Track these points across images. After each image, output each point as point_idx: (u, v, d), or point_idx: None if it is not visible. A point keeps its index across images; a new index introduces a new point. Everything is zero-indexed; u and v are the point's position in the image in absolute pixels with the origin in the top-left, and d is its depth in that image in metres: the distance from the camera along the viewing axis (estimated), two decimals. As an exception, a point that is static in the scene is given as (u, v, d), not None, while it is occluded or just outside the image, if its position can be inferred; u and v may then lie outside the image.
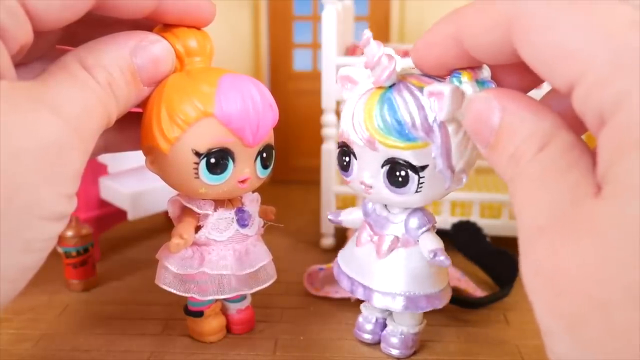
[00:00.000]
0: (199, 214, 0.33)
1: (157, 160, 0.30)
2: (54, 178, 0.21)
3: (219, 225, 0.34)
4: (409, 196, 0.30)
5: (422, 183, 0.30)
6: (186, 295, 0.34)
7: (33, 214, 0.21)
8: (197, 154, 0.29)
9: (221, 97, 0.29)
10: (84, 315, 0.40)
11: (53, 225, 0.22)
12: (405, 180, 0.30)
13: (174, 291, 0.34)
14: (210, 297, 0.34)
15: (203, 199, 0.33)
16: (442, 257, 0.32)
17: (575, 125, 0.19)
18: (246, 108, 0.29)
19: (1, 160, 0.19)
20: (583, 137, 0.20)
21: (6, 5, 0.21)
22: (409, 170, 0.29)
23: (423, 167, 0.29)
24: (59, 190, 0.21)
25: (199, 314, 0.36)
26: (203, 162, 0.29)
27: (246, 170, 0.31)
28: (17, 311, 0.40)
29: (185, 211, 0.33)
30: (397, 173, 0.30)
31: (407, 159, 0.29)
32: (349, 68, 0.32)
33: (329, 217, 0.37)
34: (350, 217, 0.36)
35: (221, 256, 0.34)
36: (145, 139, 0.30)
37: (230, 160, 0.30)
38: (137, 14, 0.26)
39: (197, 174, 0.30)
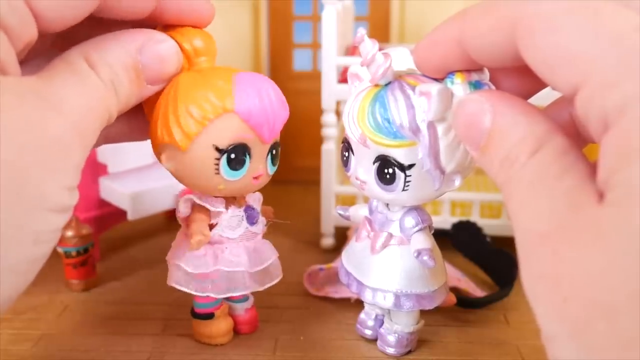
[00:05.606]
0: (211, 212, 0.33)
1: (173, 158, 0.30)
2: (57, 172, 0.22)
3: (231, 222, 0.34)
4: (397, 194, 0.31)
5: (408, 182, 0.30)
6: (202, 295, 0.34)
7: (41, 206, 0.21)
8: (218, 150, 0.30)
9: (241, 93, 0.29)
10: (84, 315, 0.40)
11: (59, 217, 0.22)
12: (392, 178, 0.30)
13: (189, 291, 0.34)
14: (224, 295, 0.34)
15: (215, 197, 0.33)
16: (426, 258, 0.32)
17: (575, 137, 0.19)
18: (264, 104, 0.30)
19: (10, 154, 0.20)
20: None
21: (12, 5, 0.21)
22: (395, 168, 0.30)
23: (410, 166, 0.29)
24: (62, 183, 0.22)
25: (210, 316, 0.36)
26: (224, 158, 0.30)
27: (260, 166, 0.32)
28: (17, 311, 0.40)
29: (196, 210, 0.34)
30: (386, 170, 0.30)
31: (395, 157, 0.29)
32: (359, 66, 0.32)
33: (338, 211, 0.38)
34: (357, 212, 0.36)
35: (235, 253, 0.34)
36: (160, 137, 0.30)
37: (248, 156, 0.31)
38: (137, 14, 0.26)
39: (217, 169, 0.30)
